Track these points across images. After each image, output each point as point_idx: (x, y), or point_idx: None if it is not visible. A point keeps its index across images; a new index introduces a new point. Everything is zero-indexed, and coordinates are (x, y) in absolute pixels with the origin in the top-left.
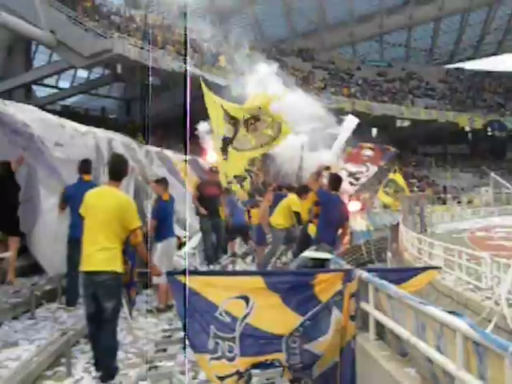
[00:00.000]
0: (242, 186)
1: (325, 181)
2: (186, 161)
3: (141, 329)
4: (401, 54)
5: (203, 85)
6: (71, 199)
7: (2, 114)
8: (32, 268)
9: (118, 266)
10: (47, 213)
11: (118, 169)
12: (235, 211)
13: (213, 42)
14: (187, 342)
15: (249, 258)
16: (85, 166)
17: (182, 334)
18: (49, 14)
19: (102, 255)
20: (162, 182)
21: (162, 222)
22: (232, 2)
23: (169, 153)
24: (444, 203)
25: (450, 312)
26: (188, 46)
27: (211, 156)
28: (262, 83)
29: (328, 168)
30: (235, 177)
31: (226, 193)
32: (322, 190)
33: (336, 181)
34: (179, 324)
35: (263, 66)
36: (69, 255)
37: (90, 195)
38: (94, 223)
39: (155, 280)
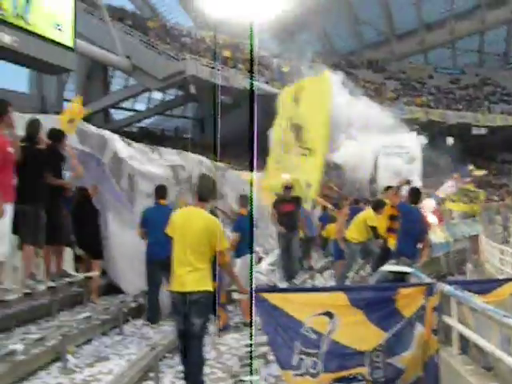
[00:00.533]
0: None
1: (403, 194)
2: (251, 178)
3: (224, 344)
4: (474, 60)
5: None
6: (149, 222)
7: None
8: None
9: (208, 286)
10: (118, 236)
11: (205, 190)
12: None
13: (282, 58)
14: (272, 357)
15: (327, 273)
16: (161, 192)
17: (265, 348)
18: (124, 41)
19: (193, 276)
20: (242, 198)
21: (241, 237)
22: (298, 18)
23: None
24: None
25: None
26: (256, 63)
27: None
28: None
29: (408, 182)
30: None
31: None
32: (403, 203)
33: (416, 194)
34: (262, 339)
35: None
36: (149, 275)
37: (178, 216)
38: (183, 244)
39: (236, 295)
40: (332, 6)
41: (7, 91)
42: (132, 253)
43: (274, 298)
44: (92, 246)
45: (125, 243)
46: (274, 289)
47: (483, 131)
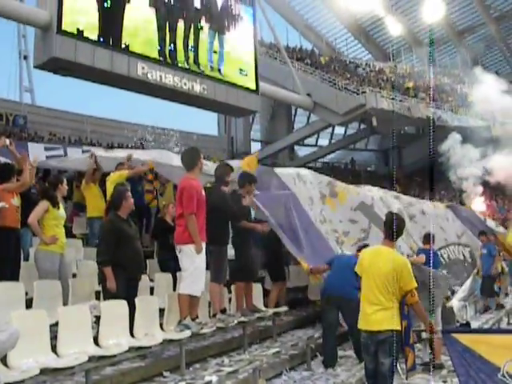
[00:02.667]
0: None
1: None
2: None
3: None
4: None
5: None
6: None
7: None
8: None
9: (396, 325)
10: None
11: (394, 228)
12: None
13: (466, 83)
14: None
15: None
16: None
17: None
18: (304, 79)
19: (381, 315)
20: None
21: None
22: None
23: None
24: None
25: None
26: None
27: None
28: None
29: None
30: None
31: None
32: None
33: None
34: (454, 381)
35: None
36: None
37: (367, 254)
38: (372, 283)
39: (425, 335)
40: None
41: (200, 135)
42: None
43: (465, 339)
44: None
45: None
46: (464, 329)
47: None
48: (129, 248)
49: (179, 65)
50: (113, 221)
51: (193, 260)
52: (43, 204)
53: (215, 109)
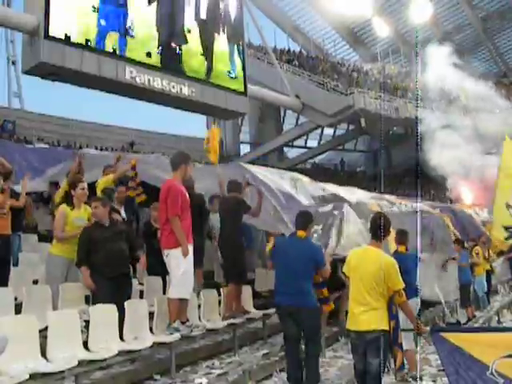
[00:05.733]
0: None
1: None
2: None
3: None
4: None
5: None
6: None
7: None
8: None
9: (384, 325)
10: None
11: (379, 229)
12: None
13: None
14: None
15: None
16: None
17: None
18: (292, 81)
19: (369, 315)
20: (399, 233)
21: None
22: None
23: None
24: None
25: None
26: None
27: None
28: None
29: None
30: None
31: None
32: None
33: None
34: (443, 381)
35: None
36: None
37: (354, 255)
38: (359, 284)
39: (405, 345)
40: None
41: (188, 138)
42: None
43: (453, 338)
44: None
45: None
46: (453, 328)
47: None
48: (102, 250)
49: (167, 68)
50: (85, 227)
51: (180, 263)
52: (59, 211)
53: (203, 111)
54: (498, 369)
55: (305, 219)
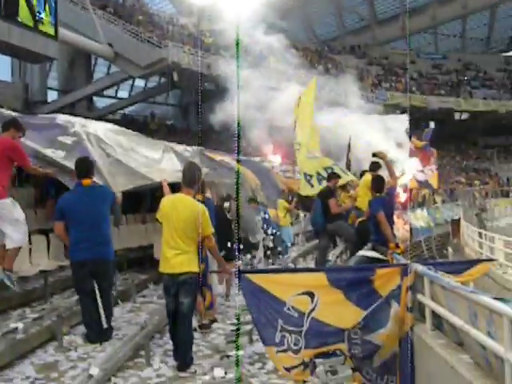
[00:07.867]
0: None
1: None
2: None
3: None
4: (456, 45)
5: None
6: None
7: None
8: None
9: (195, 267)
10: None
11: (191, 176)
12: None
13: (264, 45)
14: (256, 337)
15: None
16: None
17: (249, 327)
18: (106, 28)
19: (181, 258)
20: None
21: None
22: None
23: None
24: (507, 196)
25: (499, 299)
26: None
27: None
28: None
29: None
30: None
31: None
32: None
33: (380, 183)
34: (246, 318)
35: None
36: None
37: (167, 201)
38: (171, 229)
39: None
40: None
41: None
42: None
43: (257, 279)
44: None
45: None
46: (257, 270)
47: (465, 116)
48: None
49: None
50: None
51: (13, 211)
52: None
53: (9, 53)
54: (294, 304)
55: (87, 166)
